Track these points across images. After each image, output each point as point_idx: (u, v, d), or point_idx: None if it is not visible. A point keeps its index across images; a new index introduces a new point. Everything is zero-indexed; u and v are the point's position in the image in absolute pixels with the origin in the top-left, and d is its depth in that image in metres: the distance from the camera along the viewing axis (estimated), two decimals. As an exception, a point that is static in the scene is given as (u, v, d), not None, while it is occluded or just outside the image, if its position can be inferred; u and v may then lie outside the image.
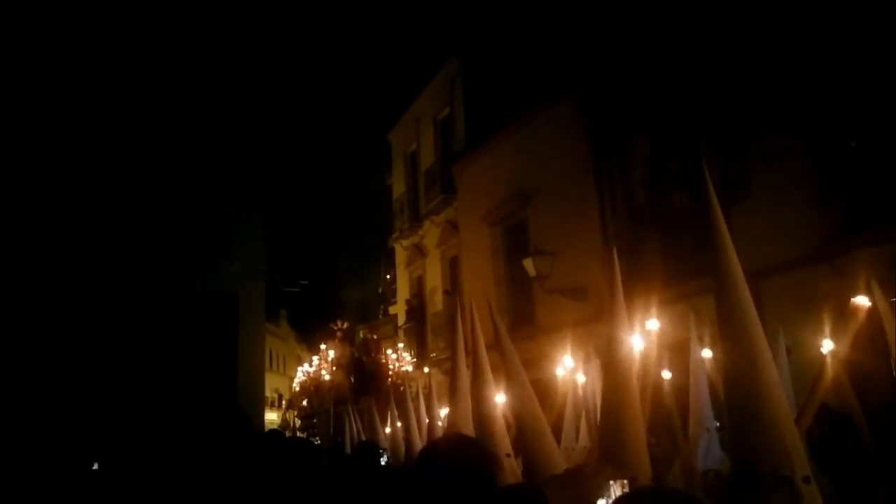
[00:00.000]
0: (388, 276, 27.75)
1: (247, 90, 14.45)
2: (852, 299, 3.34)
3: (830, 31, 9.18)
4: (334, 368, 22.11)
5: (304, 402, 24.37)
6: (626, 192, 12.92)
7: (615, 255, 3.54)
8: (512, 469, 3.75)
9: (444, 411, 6.85)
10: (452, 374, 4.42)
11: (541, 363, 6.77)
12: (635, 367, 3.29)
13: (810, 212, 9.39)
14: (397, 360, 21.10)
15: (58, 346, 11.25)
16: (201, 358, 12.55)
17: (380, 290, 29.67)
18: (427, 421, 7.19)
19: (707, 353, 4.35)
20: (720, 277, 2.50)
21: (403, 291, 23.58)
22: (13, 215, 11.22)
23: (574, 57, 14.22)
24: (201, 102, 13.14)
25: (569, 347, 5.20)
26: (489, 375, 4.25)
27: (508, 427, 4.49)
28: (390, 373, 20.75)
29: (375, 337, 23.47)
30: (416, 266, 22.45)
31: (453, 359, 4.12)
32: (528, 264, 14.68)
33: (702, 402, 4.00)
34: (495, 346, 4.25)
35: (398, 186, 24.03)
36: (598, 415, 3.44)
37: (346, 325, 23.43)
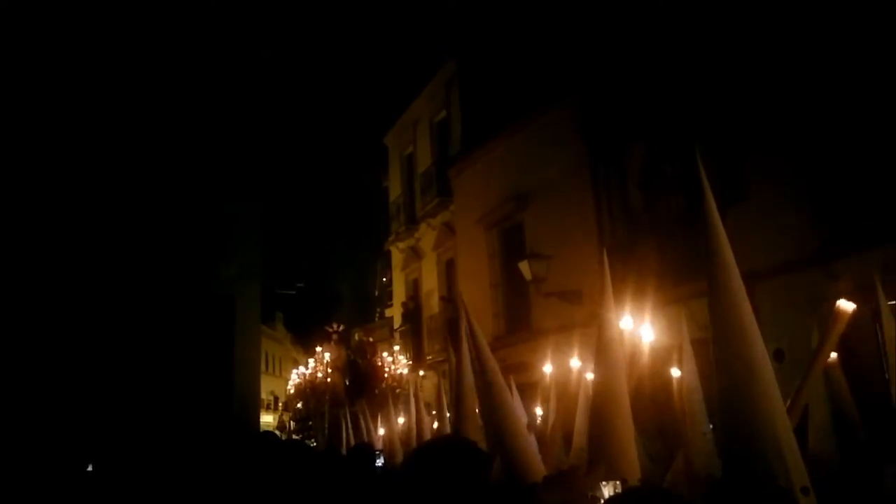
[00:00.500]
0: (384, 279, 27.77)
1: (244, 92, 14.45)
2: (837, 302, 3.34)
3: (826, 36, 9.21)
4: (329, 371, 22.09)
5: (299, 405, 24.34)
6: (621, 196, 12.94)
7: (605, 257, 3.56)
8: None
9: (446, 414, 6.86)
10: (457, 377, 4.40)
11: (536, 366, 6.77)
12: (625, 369, 3.30)
13: (806, 215, 9.41)
14: (393, 362, 21.09)
15: (53, 347, 11.23)
16: (197, 360, 12.53)
17: (376, 293, 29.69)
18: (423, 423, 7.19)
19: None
20: (715, 278, 2.43)
21: (399, 294, 23.59)
22: (7, 216, 11.21)
23: (570, 61, 14.25)
24: (199, 104, 13.15)
25: (576, 349, 5.18)
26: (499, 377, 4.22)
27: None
28: (386, 375, 20.73)
29: (371, 339, 23.45)
30: (413, 269, 22.46)
31: (458, 361, 4.07)
32: (524, 267, 14.69)
33: (696, 404, 3.98)
34: (492, 347, 4.24)
35: (394, 189, 24.05)
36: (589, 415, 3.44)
37: (341, 328, 23.40)
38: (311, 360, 23.59)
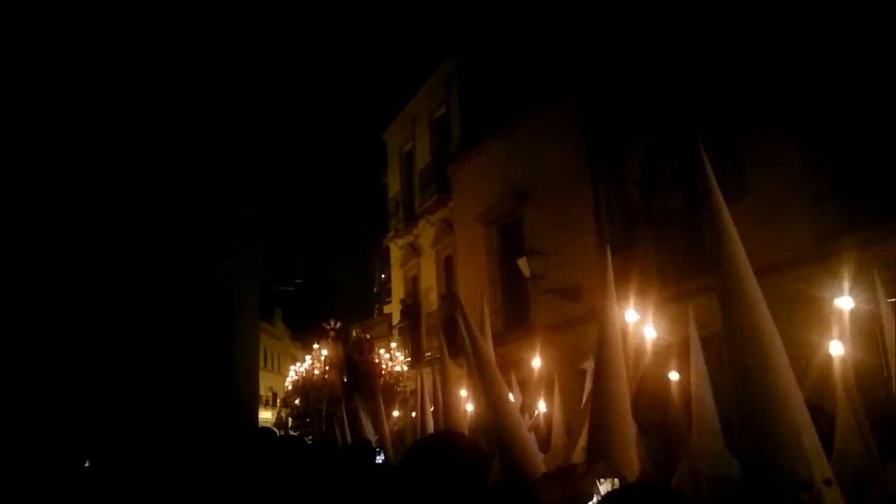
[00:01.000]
0: (382, 276, 27.74)
1: (243, 88, 14.43)
2: (834, 301, 3.32)
3: (824, 30, 9.20)
4: (327, 368, 22.09)
5: (297, 402, 24.34)
6: (620, 193, 12.93)
7: (609, 254, 3.54)
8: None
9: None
10: (469, 373, 4.38)
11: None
12: (625, 367, 3.28)
13: (805, 212, 9.41)
14: (390, 359, 21.09)
15: (51, 342, 11.22)
16: (196, 356, 12.52)
17: (375, 290, 29.66)
18: (422, 419, 7.18)
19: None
20: (725, 270, 2.36)
21: (398, 291, 23.58)
22: (7, 214, 11.19)
23: (570, 58, 14.24)
24: (196, 100, 13.12)
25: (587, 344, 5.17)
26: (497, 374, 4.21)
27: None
28: (383, 372, 20.73)
29: (368, 336, 23.44)
30: (411, 265, 22.45)
31: (467, 358, 4.04)
32: (523, 264, 14.69)
33: (706, 402, 3.90)
34: (493, 345, 4.23)
35: (393, 185, 24.03)
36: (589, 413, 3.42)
37: (338, 325, 23.40)
38: (308, 357, 23.59)
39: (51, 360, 11.11)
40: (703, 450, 3.67)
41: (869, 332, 3.78)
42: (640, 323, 3.67)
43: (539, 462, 3.35)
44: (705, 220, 10.59)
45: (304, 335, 37.46)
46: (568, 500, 2.39)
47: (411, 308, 21.68)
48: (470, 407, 5.48)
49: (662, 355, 4.09)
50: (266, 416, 34.04)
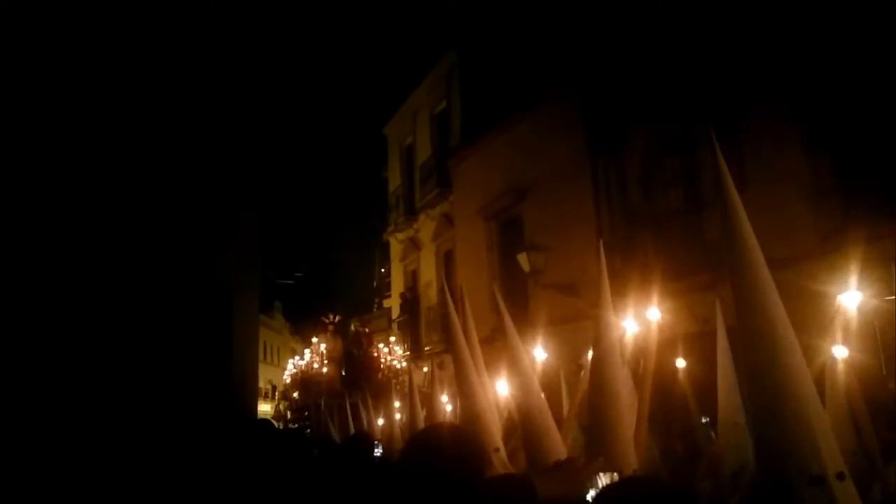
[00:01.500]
0: (382, 270, 27.75)
1: (242, 81, 14.39)
2: (839, 296, 3.31)
3: (827, 23, 9.18)
4: (326, 362, 22.10)
5: (295, 395, 24.35)
6: (621, 188, 12.92)
7: (601, 248, 3.55)
8: (502, 463, 3.74)
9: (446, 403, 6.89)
10: (456, 368, 4.40)
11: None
12: (623, 361, 3.29)
13: (806, 208, 9.40)
14: (389, 353, 21.10)
15: (48, 336, 11.21)
16: (195, 349, 12.49)
17: (374, 283, 29.66)
18: (420, 414, 7.19)
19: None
20: (739, 262, 2.33)
21: (398, 285, 23.59)
22: (7, 211, 11.16)
23: (570, 53, 14.21)
24: (195, 93, 13.08)
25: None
26: (482, 369, 4.23)
27: (509, 419, 4.47)
28: (382, 366, 20.74)
29: (367, 330, 23.43)
30: (411, 260, 22.45)
31: (454, 352, 4.07)
32: (523, 259, 14.68)
33: (731, 394, 3.86)
34: (489, 339, 4.25)
35: (394, 180, 24.02)
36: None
37: (337, 319, 23.40)
38: (307, 351, 23.59)
39: (48, 354, 11.09)
40: (727, 443, 3.66)
41: (869, 329, 3.77)
42: (642, 321, 3.66)
43: (563, 449, 3.35)
44: (710, 214, 10.59)
45: (303, 328, 37.48)
46: (567, 493, 2.39)
47: (411, 302, 21.69)
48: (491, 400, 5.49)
49: (664, 351, 4.08)
50: (265, 408, 34.06)
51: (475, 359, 4.09)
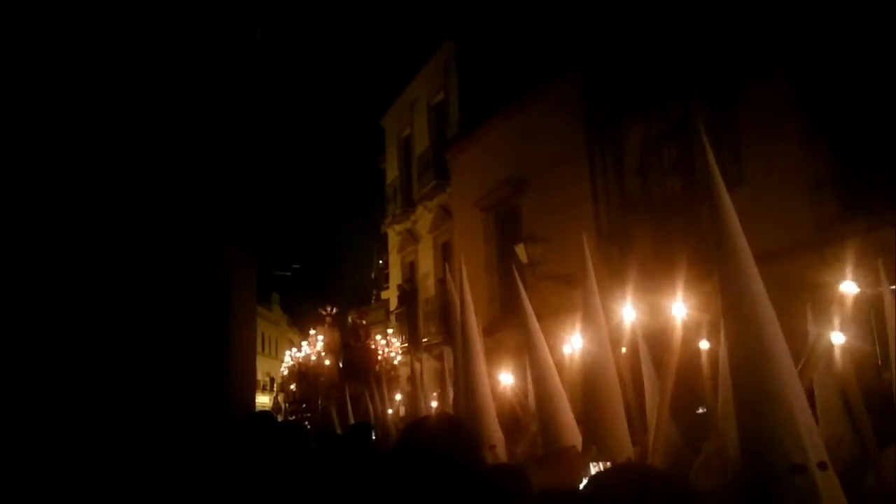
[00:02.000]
0: (380, 262, 27.75)
1: (239, 72, 14.34)
2: (839, 286, 3.32)
3: (826, 15, 9.17)
4: (323, 354, 22.12)
5: (293, 387, 24.41)
6: (618, 180, 12.92)
7: (585, 240, 3.58)
8: (496, 461, 3.75)
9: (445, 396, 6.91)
10: (455, 360, 4.42)
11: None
12: (611, 351, 3.30)
13: (803, 200, 9.40)
14: (386, 345, 21.12)
15: (45, 332, 11.21)
16: (192, 342, 12.50)
17: (372, 275, 29.67)
18: (419, 404, 7.23)
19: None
20: (724, 254, 2.36)
21: (396, 276, 23.59)
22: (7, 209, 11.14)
23: (568, 43, 14.18)
24: (192, 85, 13.05)
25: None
26: (482, 362, 4.24)
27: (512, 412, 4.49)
28: (379, 358, 20.77)
29: (364, 322, 23.47)
30: (409, 251, 22.44)
31: (454, 344, 4.10)
32: (521, 250, 14.68)
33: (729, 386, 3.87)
34: (489, 330, 4.26)
35: (391, 171, 23.98)
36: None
37: (335, 311, 23.43)
38: (304, 344, 23.62)
39: (45, 351, 11.10)
40: (731, 433, 3.66)
41: (865, 319, 3.78)
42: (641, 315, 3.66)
43: (577, 434, 3.36)
44: (704, 206, 10.59)
45: (301, 320, 37.52)
46: (561, 483, 2.40)
47: (409, 294, 21.70)
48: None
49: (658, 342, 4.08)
50: (263, 400, 34.13)
51: (477, 350, 4.09)
